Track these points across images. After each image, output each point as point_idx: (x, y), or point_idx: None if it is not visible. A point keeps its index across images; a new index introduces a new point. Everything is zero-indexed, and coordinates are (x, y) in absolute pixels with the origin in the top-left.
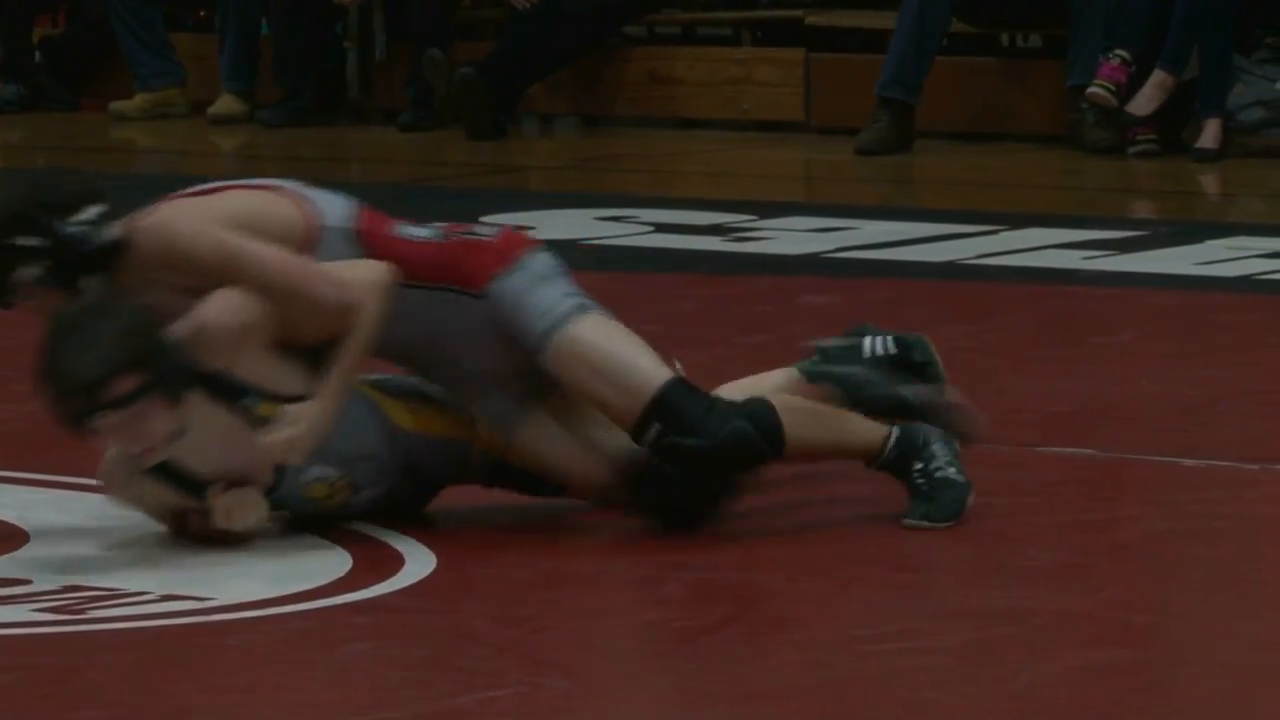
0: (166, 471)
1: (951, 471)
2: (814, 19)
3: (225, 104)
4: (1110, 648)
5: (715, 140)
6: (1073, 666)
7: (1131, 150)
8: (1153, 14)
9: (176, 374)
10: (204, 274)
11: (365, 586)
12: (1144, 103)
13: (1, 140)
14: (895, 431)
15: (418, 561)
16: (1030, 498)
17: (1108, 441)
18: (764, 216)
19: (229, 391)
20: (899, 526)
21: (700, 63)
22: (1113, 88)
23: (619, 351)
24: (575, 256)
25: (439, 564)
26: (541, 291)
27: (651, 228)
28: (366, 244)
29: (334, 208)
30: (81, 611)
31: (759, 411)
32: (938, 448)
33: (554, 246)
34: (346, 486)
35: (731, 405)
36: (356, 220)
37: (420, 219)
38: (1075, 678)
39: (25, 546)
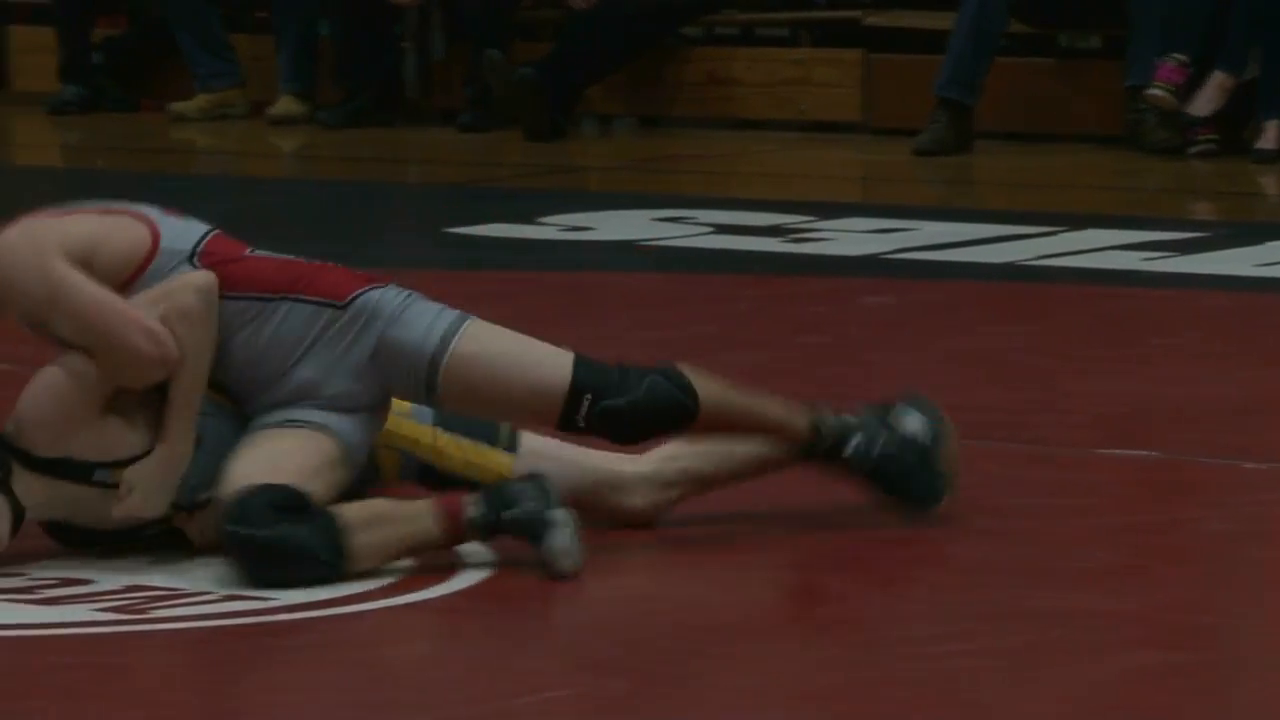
0: (94, 537)
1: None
2: (872, 19)
3: (284, 105)
4: (1167, 650)
5: (773, 141)
6: (1129, 669)
7: (1191, 151)
8: (1209, 15)
9: None
10: (28, 301)
11: (423, 588)
12: (1204, 103)
13: (61, 141)
14: (823, 417)
15: (476, 563)
16: (1087, 499)
17: (1166, 443)
18: (822, 217)
19: (75, 473)
20: (959, 529)
21: (758, 63)
22: (1172, 88)
23: (517, 349)
24: (633, 257)
25: (497, 564)
26: (415, 309)
27: (709, 229)
28: (207, 266)
29: (182, 232)
30: (143, 611)
31: (668, 370)
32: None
33: (612, 247)
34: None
35: (639, 366)
36: (203, 245)
37: (478, 219)
38: (1132, 680)
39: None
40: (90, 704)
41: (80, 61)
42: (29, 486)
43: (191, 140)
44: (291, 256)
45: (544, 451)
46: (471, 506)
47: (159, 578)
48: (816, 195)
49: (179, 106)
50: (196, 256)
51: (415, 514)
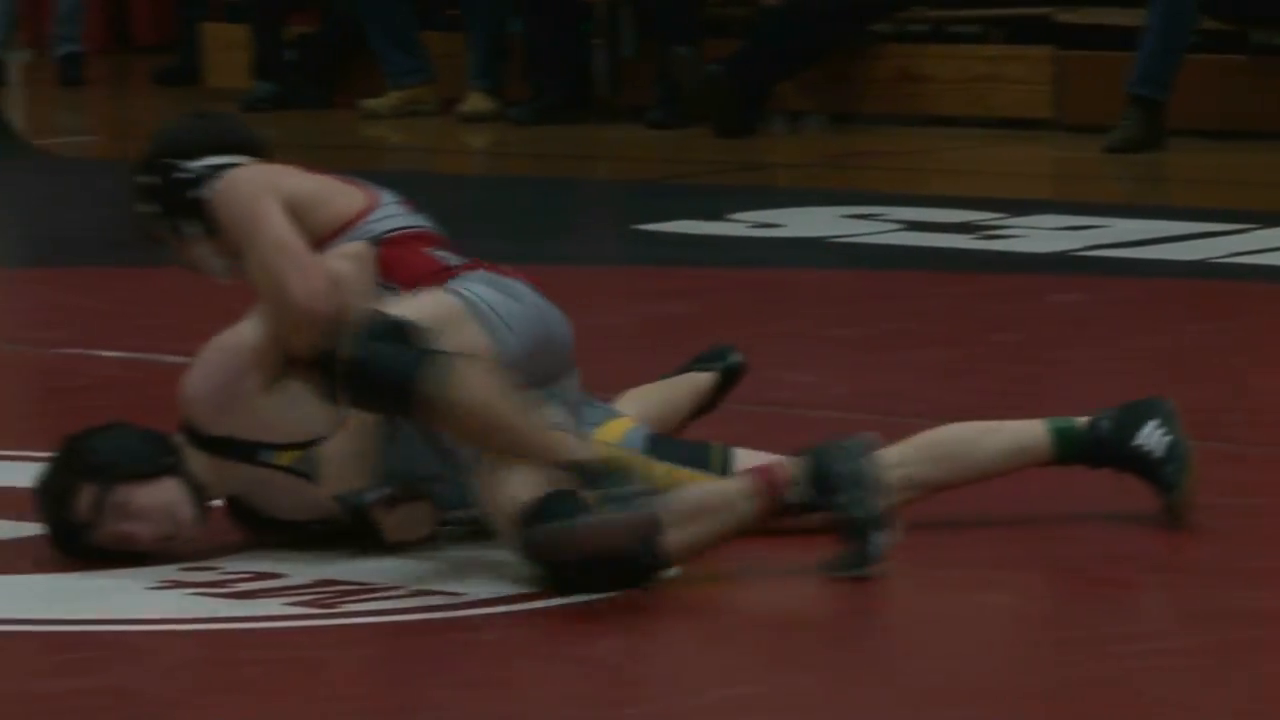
0: (276, 525)
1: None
2: (1063, 16)
3: (474, 102)
4: None
5: (964, 138)
6: None
7: None
8: None
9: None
10: (232, 230)
11: None
12: None
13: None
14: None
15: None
16: (1277, 499)
17: None
18: (1012, 214)
19: (239, 453)
20: (1149, 527)
21: (949, 60)
22: None
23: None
24: (824, 253)
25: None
26: None
27: (900, 225)
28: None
29: (393, 218)
30: (333, 605)
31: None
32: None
33: (801, 244)
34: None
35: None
36: (400, 234)
37: (667, 216)
38: None
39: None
40: (282, 699)
41: (273, 59)
42: (201, 465)
43: (382, 137)
44: (468, 261)
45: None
46: (791, 489)
47: (350, 572)
48: (1007, 192)
49: (370, 103)
50: (384, 237)
51: (734, 497)
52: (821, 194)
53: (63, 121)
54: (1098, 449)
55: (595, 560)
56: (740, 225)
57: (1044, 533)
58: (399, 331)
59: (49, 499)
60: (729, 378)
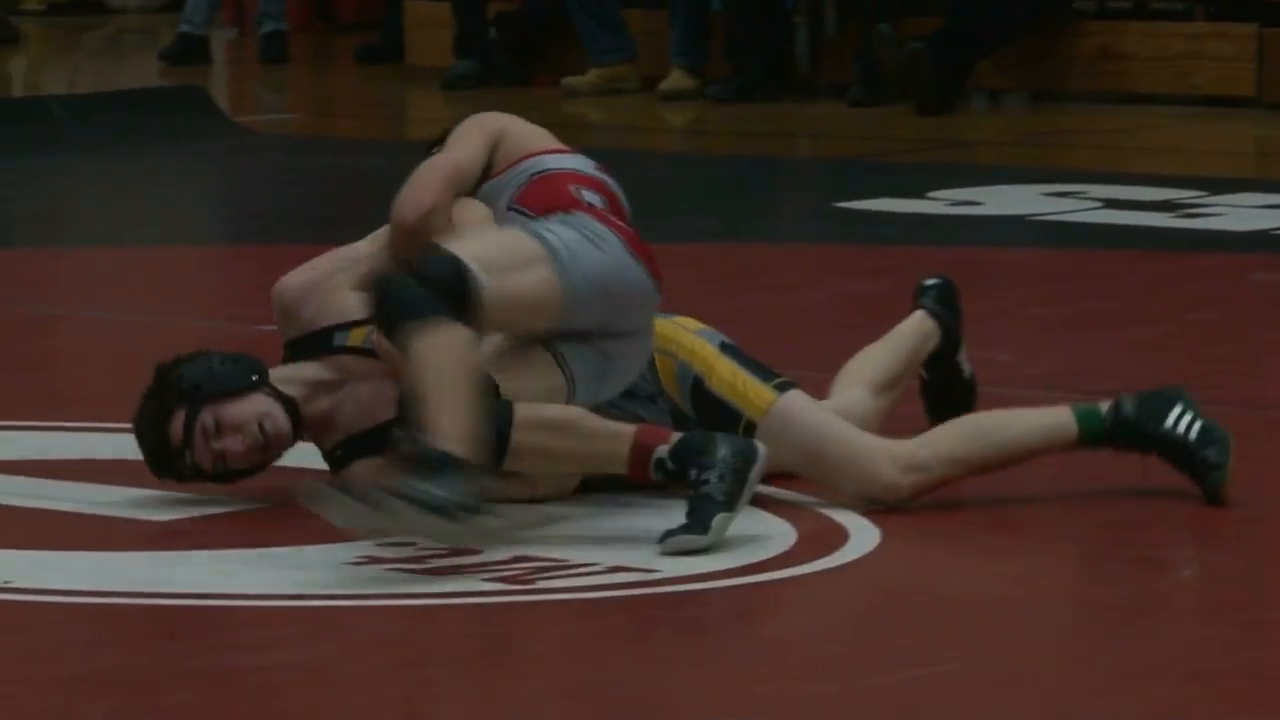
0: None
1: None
2: None
3: (675, 80)
4: None
5: (1165, 116)
6: None
7: None
8: None
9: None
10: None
11: (808, 560)
12: None
13: (455, 115)
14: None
15: (862, 536)
16: None
17: None
18: (1214, 193)
19: (318, 345)
20: None
21: (1151, 37)
22: None
23: None
24: (1023, 231)
25: (883, 539)
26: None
27: (1100, 203)
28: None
29: (558, 163)
30: (530, 582)
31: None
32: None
33: (1001, 222)
34: None
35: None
36: (550, 174)
37: (867, 194)
38: None
39: None
40: (481, 674)
41: (475, 36)
42: (287, 375)
43: (583, 114)
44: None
45: (801, 411)
46: (665, 449)
47: (545, 549)
48: (1208, 170)
49: (571, 81)
50: (545, 173)
51: (612, 434)
52: (1021, 172)
53: (265, 99)
54: (1123, 432)
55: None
56: (940, 203)
57: (1241, 513)
58: (450, 270)
59: (147, 429)
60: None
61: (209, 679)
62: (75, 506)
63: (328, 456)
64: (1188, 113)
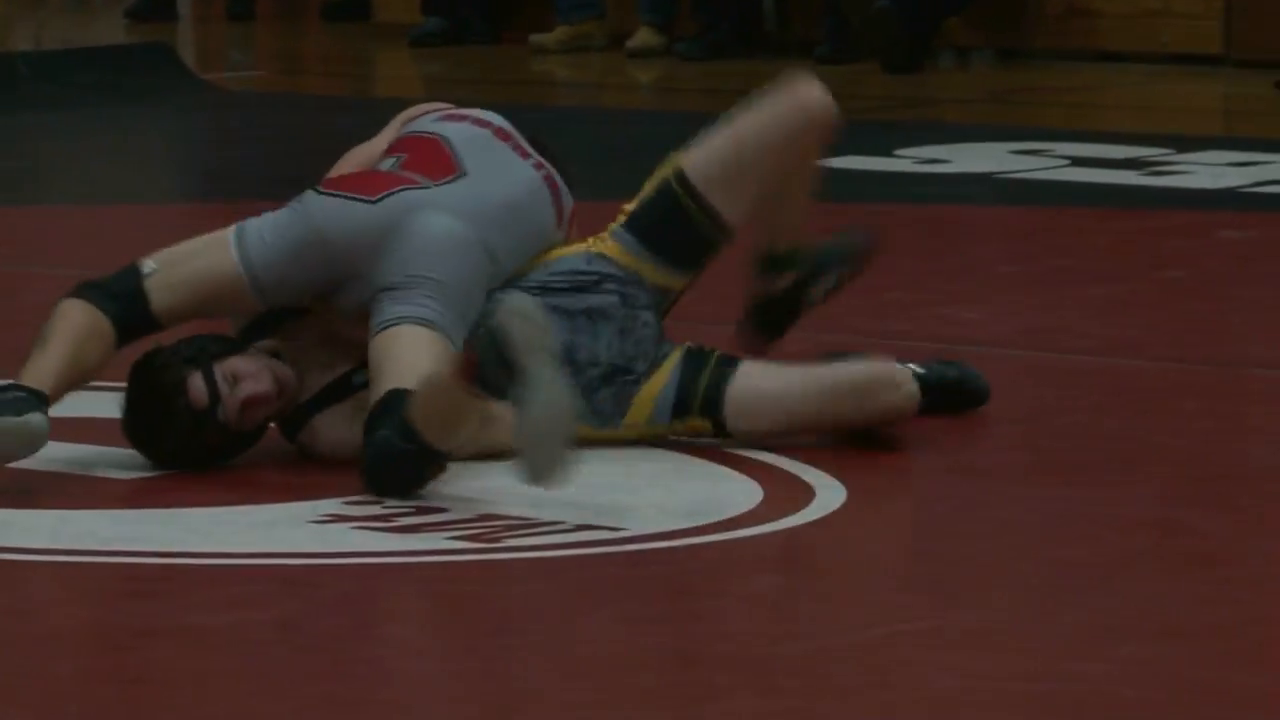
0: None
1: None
2: None
3: (643, 37)
4: None
5: (1133, 73)
6: None
7: None
8: None
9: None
10: None
11: (776, 518)
12: None
13: (424, 73)
14: None
15: (828, 493)
16: None
17: None
18: (1182, 150)
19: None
20: None
21: None
22: None
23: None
24: (991, 189)
25: (849, 496)
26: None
27: (1068, 161)
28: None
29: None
30: (497, 540)
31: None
32: None
33: (969, 179)
34: None
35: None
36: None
37: (835, 152)
38: None
39: (442, 475)
40: (445, 633)
41: None
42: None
43: (551, 72)
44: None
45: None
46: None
47: (512, 507)
48: (1176, 128)
49: (539, 39)
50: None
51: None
52: (989, 130)
53: (232, 56)
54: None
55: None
56: (907, 161)
57: (1209, 470)
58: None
59: (155, 419)
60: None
61: (178, 637)
62: (40, 465)
63: (290, 416)
64: (1156, 70)
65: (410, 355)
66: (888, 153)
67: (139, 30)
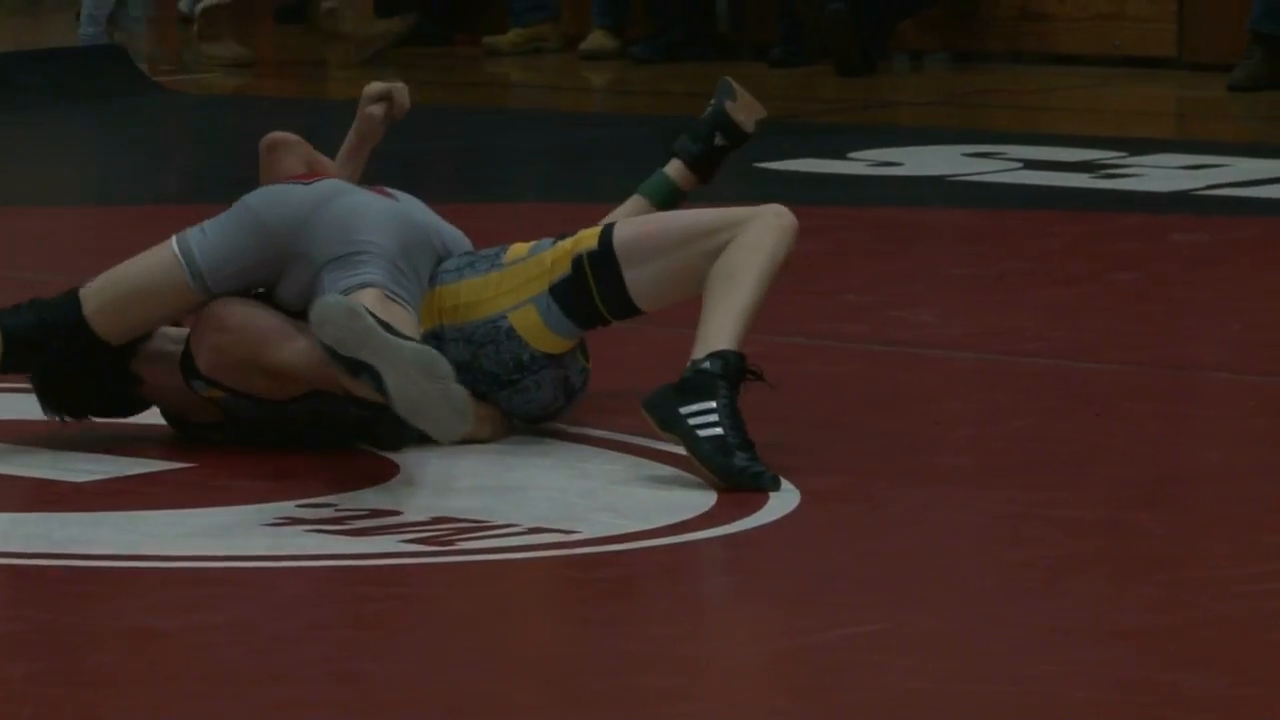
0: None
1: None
2: None
3: (596, 39)
4: None
5: (1086, 76)
6: None
7: None
8: None
9: None
10: None
11: (729, 521)
12: None
13: (377, 75)
14: None
15: (782, 497)
16: None
17: None
18: (1134, 153)
19: None
20: (1273, 466)
21: None
22: None
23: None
24: (944, 192)
25: (802, 499)
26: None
27: (1020, 164)
28: None
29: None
30: (450, 543)
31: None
32: None
33: (922, 182)
34: None
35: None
36: None
37: (788, 154)
38: None
39: (395, 478)
40: (398, 635)
41: None
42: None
43: (505, 74)
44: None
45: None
46: None
47: (465, 509)
48: (1128, 131)
49: (493, 41)
50: None
51: None
52: (942, 132)
53: (185, 59)
54: None
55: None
56: (861, 164)
57: (1158, 473)
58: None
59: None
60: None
61: (132, 639)
62: None
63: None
64: (1108, 73)
65: None
66: (842, 155)
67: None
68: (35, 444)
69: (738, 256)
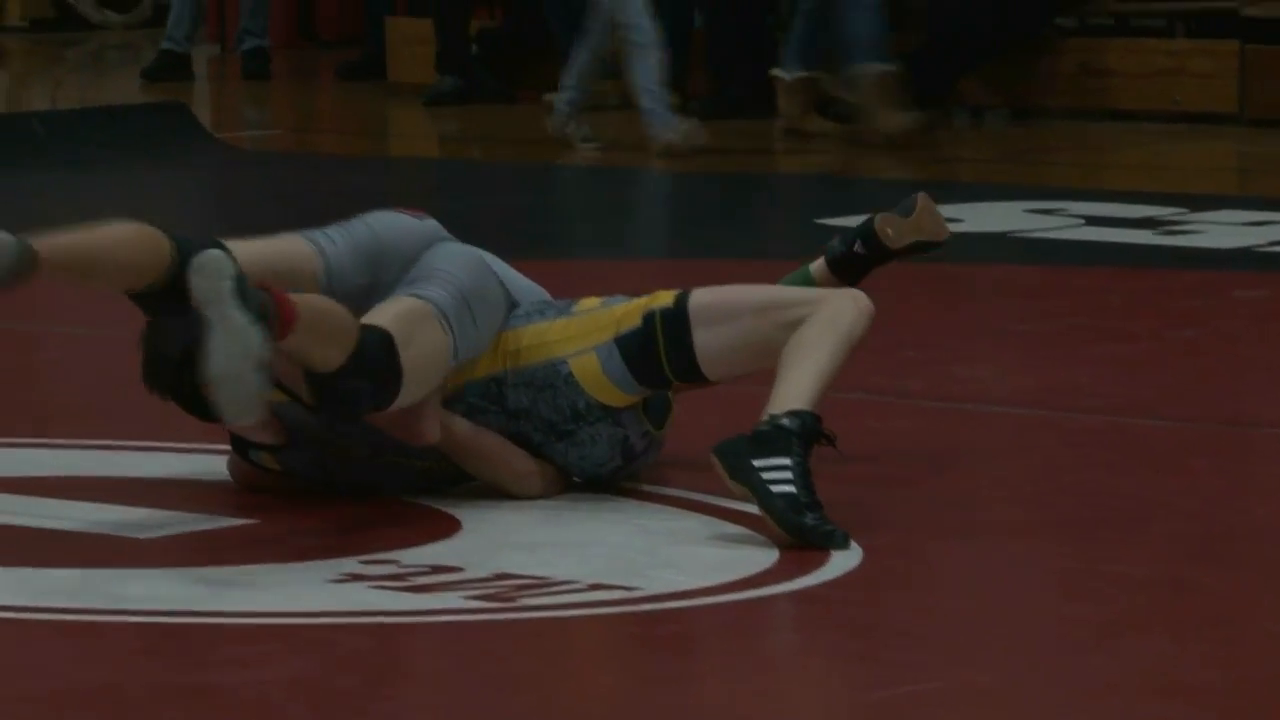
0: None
1: None
2: (1251, 10)
3: None
4: None
5: (1147, 132)
6: None
7: None
8: None
9: None
10: None
11: (791, 578)
12: None
13: (438, 131)
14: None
15: (843, 554)
16: None
17: None
18: (1195, 209)
19: None
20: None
21: (1132, 54)
22: None
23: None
24: (1005, 248)
25: (865, 556)
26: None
27: (1082, 220)
28: None
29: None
30: (512, 599)
31: None
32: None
33: (983, 238)
34: None
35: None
36: None
37: (848, 210)
38: None
39: (457, 535)
40: (460, 692)
41: (457, 52)
42: None
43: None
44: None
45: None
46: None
47: (527, 566)
48: (1190, 187)
49: (553, 97)
50: None
51: None
52: (1003, 189)
53: (247, 115)
54: None
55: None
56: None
57: (1214, 529)
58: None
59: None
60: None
61: (194, 695)
62: (57, 523)
63: None
64: (1169, 129)
65: (394, 311)
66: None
67: (155, 89)
68: (101, 499)
69: (816, 329)
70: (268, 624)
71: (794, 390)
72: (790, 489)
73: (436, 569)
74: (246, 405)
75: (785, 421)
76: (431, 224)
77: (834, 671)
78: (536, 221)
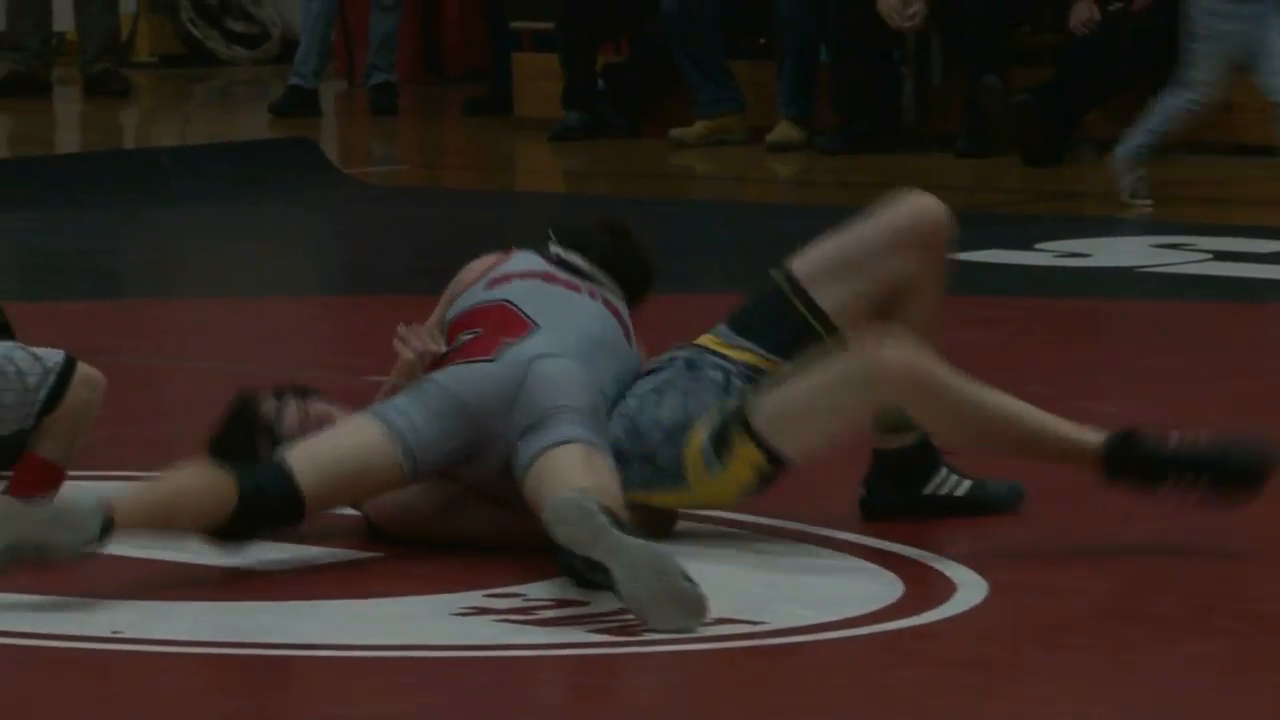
0: None
1: None
2: None
3: (783, 131)
4: None
5: (1274, 166)
6: None
7: None
8: None
9: None
10: None
11: (917, 613)
12: None
13: (563, 166)
14: None
15: (970, 588)
16: None
17: None
18: None
19: None
20: None
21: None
22: None
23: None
24: (1131, 284)
25: (991, 591)
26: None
27: (1210, 255)
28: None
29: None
30: (636, 633)
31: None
32: None
33: (1110, 274)
34: None
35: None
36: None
37: (974, 245)
38: None
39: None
40: None
41: (583, 88)
42: None
43: (690, 166)
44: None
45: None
46: None
47: None
48: None
49: (679, 133)
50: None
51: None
52: (1130, 223)
53: (375, 151)
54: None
55: None
56: (1048, 255)
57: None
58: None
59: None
60: None
61: None
62: (183, 557)
63: None
64: None
65: (571, 467)
66: (1028, 246)
67: (283, 125)
68: None
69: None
70: (395, 657)
71: None
72: None
73: (562, 603)
74: (690, 612)
75: None
76: (506, 360)
77: (961, 707)
78: (661, 257)
